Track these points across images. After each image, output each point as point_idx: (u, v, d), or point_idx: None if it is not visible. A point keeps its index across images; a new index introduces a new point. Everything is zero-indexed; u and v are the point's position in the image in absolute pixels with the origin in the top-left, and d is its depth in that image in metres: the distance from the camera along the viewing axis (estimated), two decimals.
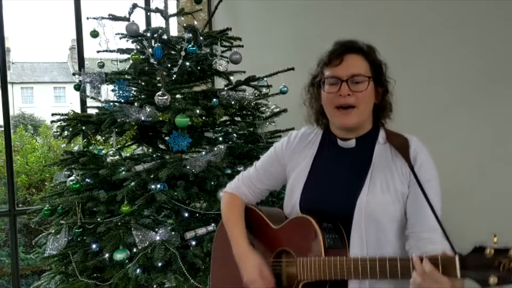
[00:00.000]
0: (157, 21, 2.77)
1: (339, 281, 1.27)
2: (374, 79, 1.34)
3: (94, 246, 2.32)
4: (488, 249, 1.02)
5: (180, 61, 2.56)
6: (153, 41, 2.58)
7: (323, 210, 1.34)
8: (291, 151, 1.49)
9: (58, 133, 2.65)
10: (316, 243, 1.28)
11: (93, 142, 2.66)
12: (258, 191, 1.59)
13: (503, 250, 1.01)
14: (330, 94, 1.33)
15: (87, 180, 2.52)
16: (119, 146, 2.68)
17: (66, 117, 2.58)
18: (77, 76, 2.76)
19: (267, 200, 2.27)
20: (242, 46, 2.79)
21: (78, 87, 2.75)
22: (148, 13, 3.05)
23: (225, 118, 2.74)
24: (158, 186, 2.26)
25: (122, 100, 2.54)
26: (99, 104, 2.79)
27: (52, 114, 2.64)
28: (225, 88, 2.63)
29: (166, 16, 2.76)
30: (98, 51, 2.74)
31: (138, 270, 2.15)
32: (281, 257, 1.42)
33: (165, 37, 2.62)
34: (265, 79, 2.78)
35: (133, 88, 2.67)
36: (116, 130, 2.38)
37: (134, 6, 2.61)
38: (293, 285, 1.35)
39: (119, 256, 2.20)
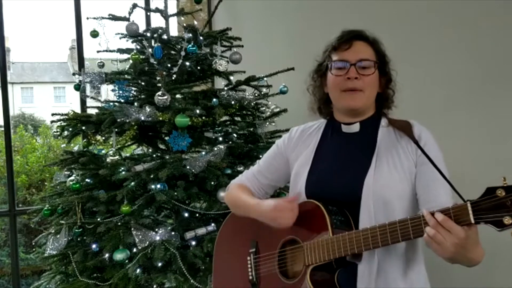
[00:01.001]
0: (157, 21, 2.78)
1: (347, 265, 1.28)
2: (379, 67, 1.38)
3: (94, 246, 2.31)
4: (499, 190, 1.01)
5: (180, 61, 2.56)
6: (153, 41, 2.58)
7: (330, 194, 1.34)
8: (293, 143, 1.52)
9: (58, 133, 2.65)
10: (322, 224, 1.29)
11: (93, 142, 2.66)
12: (261, 187, 1.60)
13: None
14: (337, 78, 1.36)
15: (87, 180, 2.52)
16: (119, 146, 2.68)
17: (66, 117, 2.58)
18: (77, 76, 2.76)
19: None
20: (242, 46, 2.79)
21: (78, 87, 2.75)
22: (148, 13, 3.05)
23: (225, 118, 2.74)
24: (158, 186, 2.26)
25: (122, 100, 2.55)
26: (99, 104, 2.79)
27: (52, 114, 2.64)
28: (225, 88, 2.63)
29: (166, 16, 2.76)
30: (98, 51, 2.74)
31: (138, 270, 2.15)
32: (286, 247, 1.41)
33: (165, 37, 2.62)
34: (265, 79, 2.78)
35: (133, 88, 2.67)
36: (116, 130, 2.38)
37: (134, 6, 2.61)
38: (301, 272, 1.33)
39: (119, 256, 2.20)
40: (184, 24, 2.71)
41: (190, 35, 2.59)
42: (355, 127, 1.41)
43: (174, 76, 2.65)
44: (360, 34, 1.39)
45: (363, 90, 1.34)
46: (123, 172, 2.33)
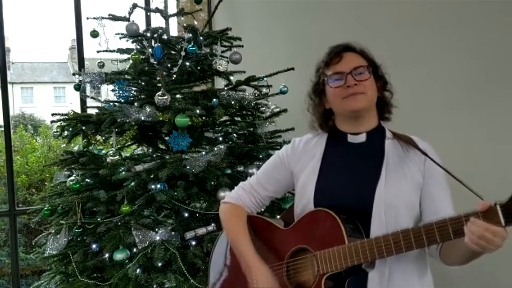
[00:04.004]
0: (157, 21, 2.77)
1: (359, 272, 1.30)
2: (372, 72, 1.41)
3: (94, 246, 2.31)
4: None
5: (180, 61, 2.56)
6: (153, 41, 2.58)
7: (341, 203, 1.35)
8: (297, 155, 1.51)
9: (58, 133, 2.65)
10: (337, 232, 1.29)
11: (93, 142, 2.66)
12: (260, 199, 1.58)
13: None
14: (337, 89, 1.38)
15: (87, 180, 2.52)
16: (119, 146, 2.68)
17: (66, 117, 2.58)
18: (77, 76, 2.76)
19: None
20: (242, 46, 2.79)
21: (78, 87, 2.75)
22: (148, 13, 3.05)
23: (225, 118, 2.74)
24: (158, 186, 2.26)
25: (122, 100, 2.54)
26: (99, 104, 2.79)
27: (52, 114, 2.63)
28: (225, 88, 2.63)
29: (166, 16, 2.76)
30: (98, 51, 2.74)
31: (138, 270, 2.15)
32: (296, 257, 1.41)
33: (165, 37, 2.62)
34: (265, 79, 2.78)
35: (133, 88, 2.67)
36: (116, 130, 2.38)
37: (134, 6, 2.61)
38: (314, 281, 1.34)
39: (119, 256, 2.20)
40: (184, 24, 2.71)
41: (190, 35, 2.59)
42: (362, 137, 1.42)
43: (174, 76, 2.65)
44: (347, 46, 1.43)
45: (365, 92, 1.37)
46: (123, 172, 2.33)
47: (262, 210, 1.64)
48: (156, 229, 2.24)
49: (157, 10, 2.76)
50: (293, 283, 1.40)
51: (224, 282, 1.59)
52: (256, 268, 1.41)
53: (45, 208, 2.53)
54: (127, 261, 2.21)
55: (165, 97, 2.29)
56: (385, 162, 1.37)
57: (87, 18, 2.75)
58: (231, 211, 1.57)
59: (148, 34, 2.60)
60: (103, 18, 2.66)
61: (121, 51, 2.71)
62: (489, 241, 1.08)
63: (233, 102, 2.48)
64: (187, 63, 2.61)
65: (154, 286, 2.13)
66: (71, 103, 22.98)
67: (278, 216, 1.75)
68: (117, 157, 2.43)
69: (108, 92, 2.76)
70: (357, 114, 1.40)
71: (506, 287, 2.26)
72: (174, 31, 3.19)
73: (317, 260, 1.33)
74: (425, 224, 1.19)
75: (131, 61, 2.59)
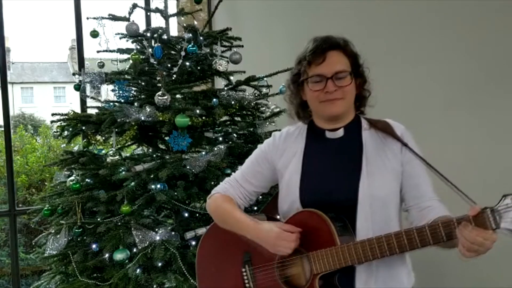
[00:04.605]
0: (157, 21, 2.77)
1: (346, 270, 1.32)
2: (354, 73, 1.40)
3: (94, 246, 2.31)
4: None
5: (180, 61, 2.56)
6: (153, 41, 2.58)
7: (326, 200, 1.36)
8: (279, 150, 1.51)
9: (58, 133, 2.65)
10: (328, 234, 1.31)
11: (93, 142, 2.66)
12: (246, 194, 1.57)
13: None
14: (316, 92, 1.38)
15: (87, 180, 2.52)
16: (119, 146, 2.68)
17: (66, 117, 2.58)
18: (77, 76, 2.76)
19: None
20: (242, 46, 2.79)
21: (78, 87, 2.75)
22: (148, 13, 3.05)
23: (225, 118, 2.74)
24: (158, 186, 2.26)
25: (122, 100, 2.54)
26: (99, 104, 2.79)
27: (52, 114, 2.64)
28: (225, 88, 2.63)
29: (166, 16, 2.76)
30: (98, 51, 2.74)
31: (138, 270, 2.15)
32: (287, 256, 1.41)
33: (165, 37, 2.62)
34: (265, 79, 2.78)
35: (133, 88, 2.67)
36: (116, 130, 2.38)
37: (134, 6, 2.61)
38: (308, 281, 1.36)
39: (119, 256, 2.20)
40: (184, 24, 2.71)
41: (190, 35, 2.59)
42: (339, 133, 1.43)
43: (174, 76, 2.65)
44: (331, 43, 1.39)
45: (344, 98, 1.38)
46: (123, 172, 2.33)
47: (249, 205, 1.63)
48: (156, 229, 2.24)
49: (157, 10, 2.76)
50: (286, 282, 1.41)
51: (214, 282, 1.57)
52: (259, 230, 1.40)
53: (45, 208, 2.53)
54: (127, 261, 2.21)
55: (165, 97, 2.29)
56: (364, 154, 1.38)
57: (87, 18, 2.75)
58: (222, 199, 1.55)
59: (148, 34, 2.60)
60: (103, 18, 2.66)
61: (121, 51, 2.71)
62: (481, 245, 1.10)
63: (233, 102, 2.48)
64: (187, 63, 2.61)
65: (154, 286, 2.13)
66: (71, 103, 22.99)
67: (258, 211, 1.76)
68: (117, 157, 2.43)
69: (108, 92, 2.76)
70: (335, 118, 1.42)
71: (503, 287, 2.26)
72: (174, 31, 3.20)
73: (310, 260, 1.35)
74: (418, 227, 1.21)
75: (131, 61, 2.59)
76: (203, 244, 1.61)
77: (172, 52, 2.72)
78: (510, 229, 1.04)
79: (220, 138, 2.69)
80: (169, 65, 2.63)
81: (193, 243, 2.26)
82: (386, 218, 1.34)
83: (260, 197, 1.94)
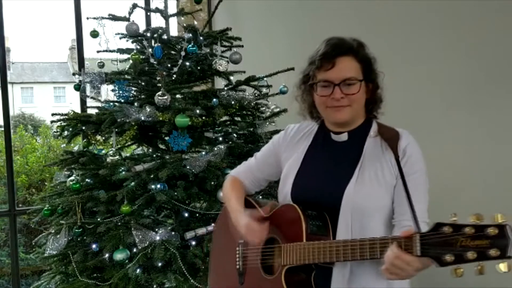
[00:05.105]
0: (157, 21, 2.78)
1: (324, 266, 1.32)
2: (365, 79, 1.37)
3: (94, 246, 2.32)
4: (447, 227, 1.00)
5: (180, 61, 2.56)
6: (153, 41, 2.58)
7: (312, 199, 1.39)
8: (287, 142, 1.55)
9: (58, 133, 2.65)
10: (298, 229, 1.33)
11: (93, 142, 2.66)
12: (256, 180, 1.65)
13: (460, 226, 0.99)
14: (323, 97, 1.37)
15: (87, 180, 2.52)
16: (119, 146, 2.68)
17: (66, 117, 2.58)
18: (77, 76, 2.77)
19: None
20: (242, 46, 2.79)
21: (78, 87, 2.75)
22: (148, 13, 3.05)
23: (225, 118, 2.74)
24: (158, 186, 2.26)
25: (122, 100, 2.55)
26: (99, 104, 2.79)
27: (52, 114, 2.64)
28: (225, 88, 2.64)
29: (166, 16, 2.76)
30: (98, 51, 2.74)
31: (138, 270, 2.15)
32: (270, 244, 1.47)
33: (165, 37, 2.62)
34: (265, 79, 2.78)
35: (133, 88, 2.67)
36: (116, 130, 2.38)
37: (134, 6, 2.61)
38: (277, 271, 1.39)
39: (119, 256, 2.20)
40: (184, 24, 2.71)
41: (190, 35, 2.59)
42: (344, 137, 1.43)
43: (174, 76, 2.65)
44: (342, 48, 1.35)
45: (350, 105, 1.36)
46: (123, 172, 2.33)
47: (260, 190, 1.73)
48: (156, 229, 2.24)
49: (157, 10, 2.76)
50: (265, 268, 1.45)
51: (219, 256, 1.68)
52: (237, 218, 1.49)
53: (45, 208, 2.53)
54: (127, 261, 2.21)
55: (165, 97, 2.29)
56: (360, 162, 1.37)
57: (87, 18, 2.75)
58: (231, 181, 1.66)
59: (148, 34, 2.60)
60: (103, 18, 2.66)
61: (121, 51, 2.71)
62: (401, 268, 1.10)
63: (233, 102, 2.48)
64: (187, 63, 2.61)
65: (154, 286, 2.14)
66: (71, 103, 22.97)
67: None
68: (117, 157, 2.44)
69: (108, 92, 2.77)
70: (341, 124, 1.41)
71: (503, 287, 2.26)
72: (174, 31, 3.20)
73: (282, 251, 1.38)
74: (371, 238, 1.20)
75: (131, 61, 2.60)
76: (219, 221, 1.74)
77: (172, 52, 2.72)
78: (434, 257, 1.01)
79: (220, 138, 2.70)
80: (169, 65, 2.63)
81: (193, 243, 2.26)
82: (367, 228, 1.31)
83: None
